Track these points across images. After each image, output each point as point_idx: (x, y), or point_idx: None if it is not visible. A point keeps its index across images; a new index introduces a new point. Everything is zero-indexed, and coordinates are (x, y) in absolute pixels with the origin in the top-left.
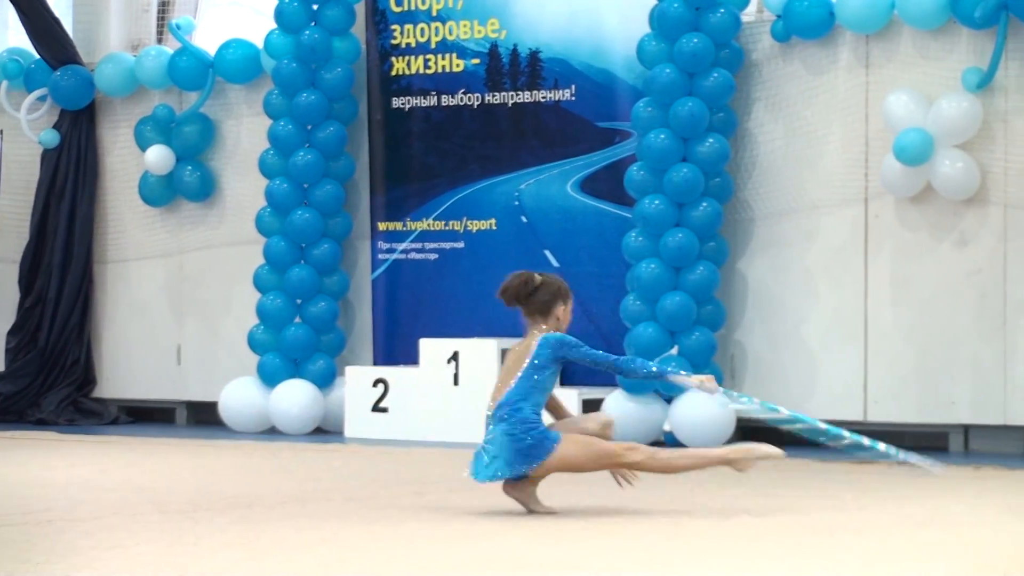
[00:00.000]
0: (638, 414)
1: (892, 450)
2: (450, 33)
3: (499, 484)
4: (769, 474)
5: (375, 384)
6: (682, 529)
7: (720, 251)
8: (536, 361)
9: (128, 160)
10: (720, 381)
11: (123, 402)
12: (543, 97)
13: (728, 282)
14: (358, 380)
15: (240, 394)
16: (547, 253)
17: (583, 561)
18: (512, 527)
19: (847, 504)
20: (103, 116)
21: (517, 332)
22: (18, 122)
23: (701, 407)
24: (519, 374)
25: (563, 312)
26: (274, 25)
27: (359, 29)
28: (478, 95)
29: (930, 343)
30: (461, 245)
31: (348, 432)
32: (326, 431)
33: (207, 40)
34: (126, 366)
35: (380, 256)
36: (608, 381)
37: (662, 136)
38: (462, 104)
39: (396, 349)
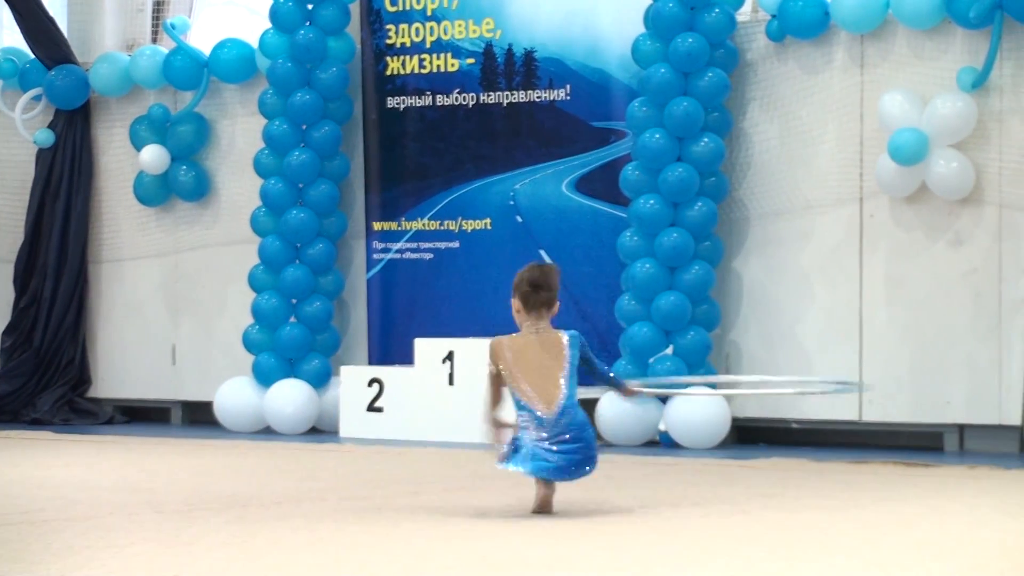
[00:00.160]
0: (633, 414)
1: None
2: (445, 33)
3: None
4: (764, 474)
5: (370, 384)
6: (678, 528)
7: (715, 251)
8: (574, 363)
9: (123, 160)
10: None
11: (118, 402)
12: (538, 97)
13: (723, 282)
14: (353, 380)
15: (235, 394)
16: (542, 252)
17: (580, 561)
18: (509, 527)
19: (842, 504)
20: (98, 116)
21: (512, 331)
22: (13, 122)
23: (695, 407)
24: (566, 375)
25: (556, 307)
26: (269, 25)
27: (354, 29)
28: (473, 95)
29: (925, 343)
30: (456, 245)
31: (343, 432)
32: (321, 431)
33: (202, 40)
34: (121, 366)
35: (375, 256)
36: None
37: (657, 136)
38: (457, 104)
39: (391, 349)
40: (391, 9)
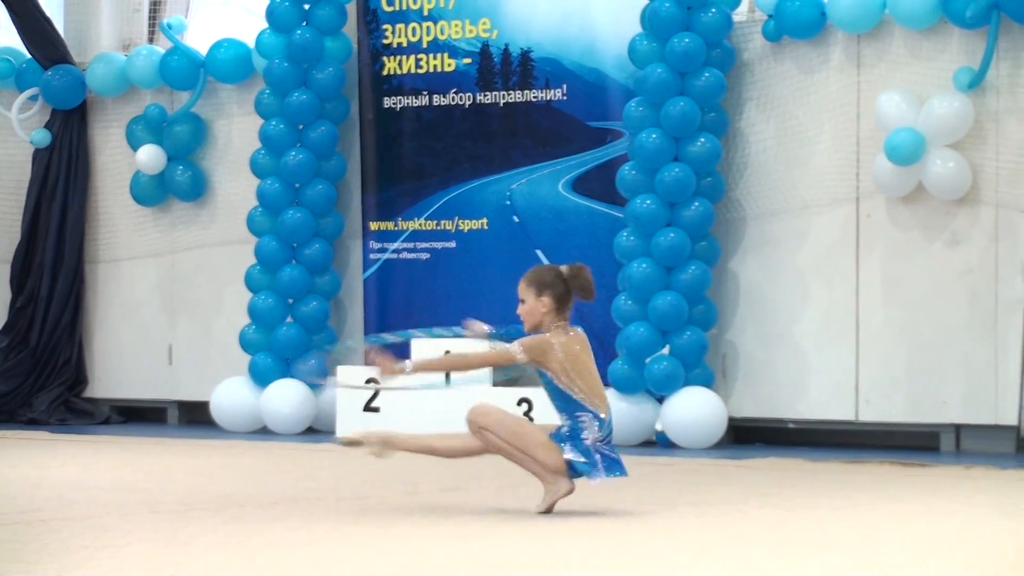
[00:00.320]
0: (630, 414)
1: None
2: (441, 33)
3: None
4: (761, 473)
5: (367, 383)
6: (675, 528)
7: (712, 251)
8: None
9: (119, 160)
10: (711, 382)
11: (115, 402)
12: (534, 97)
13: (720, 282)
14: (350, 380)
15: (232, 394)
16: (539, 253)
17: (577, 560)
18: (504, 527)
19: (839, 503)
20: (94, 116)
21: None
22: (9, 121)
23: (692, 407)
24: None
25: None
26: (265, 25)
27: (351, 29)
28: (470, 95)
29: (921, 343)
30: (453, 245)
31: (340, 432)
32: (318, 431)
33: (198, 40)
34: (118, 366)
35: (372, 256)
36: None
37: (654, 136)
38: (454, 104)
39: (387, 348)
40: (388, 9)
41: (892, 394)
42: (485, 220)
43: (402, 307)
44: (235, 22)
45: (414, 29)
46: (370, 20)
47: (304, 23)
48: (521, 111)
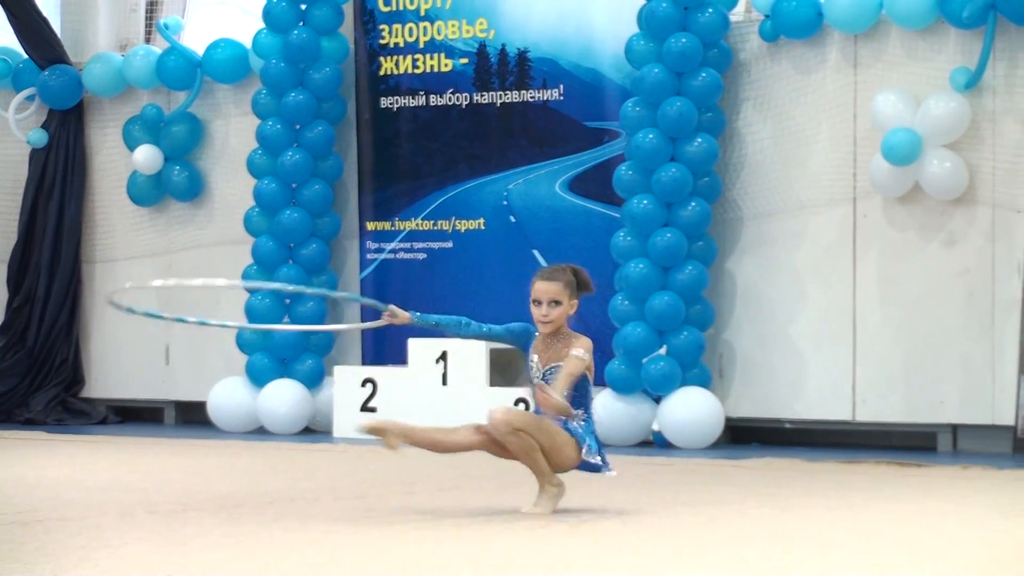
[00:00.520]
0: (627, 414)
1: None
2: (438, 33)
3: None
4: (758, 474)
5: (363, 384)
6: (671, 528)
7: (708, 251)
8: None
9: (116, 160)
10: (708, 382)
11: (111, 402)
12: (531, 97)
13: (717, 282)
14: (346, 380)
15: (228, 394)
16: (535, 253)
17: (574, 561)
18: (501, 527)
19: (836, 504)
20: (91, 116)
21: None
22: (6, 122)
23: (689, 407)
24: None
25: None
26: (262, 25)
27: (347, 29)
28: (466, 95)
29: (918, 343)
30: (449, 245)
31: (336, 432)
32: (314, 431)
33: (195, 40)
34: (114, 366)
35: (368, 256)
36: (596, 380)
37: (650, 136)
38: (450, 104)
39: (384, 349)
40: (384, 9)
41: (889, 394)
42: (482, 220)
43: (399, 307)
44: (232, 22)
45: (411, 29)
46: (367, 20)
47: (301, 23)
48: (518, 111)
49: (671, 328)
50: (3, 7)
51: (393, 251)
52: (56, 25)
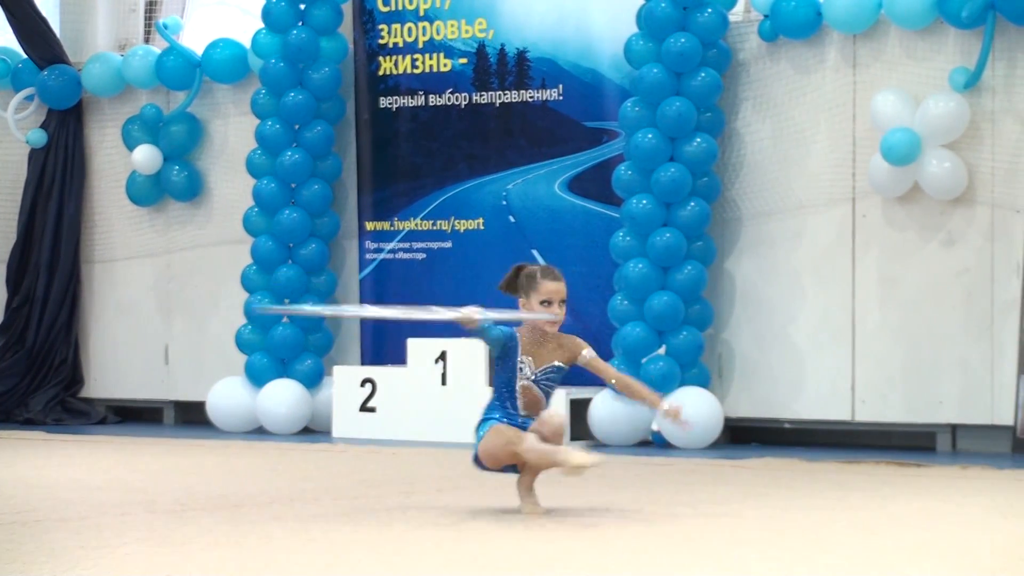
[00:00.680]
0: (626, 414)
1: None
2: (437, 33)
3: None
4: (757, 474)
5: (363, 384)
6: (669, 529)
7: (708, 251)
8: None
9: (116, 160)
10: (707, 382)
11: (111, 402)
12: (530, 97)
13: (716, 282)
14: (346, 380)
15: (228, 394)
16: (535, 253)
17: (572, 561)
18: (500, 527)
19: (835, 504)
20: (91, 116)
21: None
22: (5, 122)
23: (689, 407)
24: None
25: (523, 304)
26: (261, 25)
27: (346, 29)
28: (466, 95)
29: (918, 343)
30: (449, 245)
31: (336, 432)
32: (314, 431)
33: (194, 40)
34: (114, 366)
35: (368, 256)
36: (595, 381)
37: (650, 136)
38: (450, 104)
39: (384, 349)
40: (383, 9)
41: (888, 394)
42: (481, 220)
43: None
44: (231, 22)
45: (410, 29)
46: (366, 20)
47: (300, 23)
48: (517, 111)
49: (670, 328)
50: (2, 7)
51: (392, 251)
52: (55, 25)
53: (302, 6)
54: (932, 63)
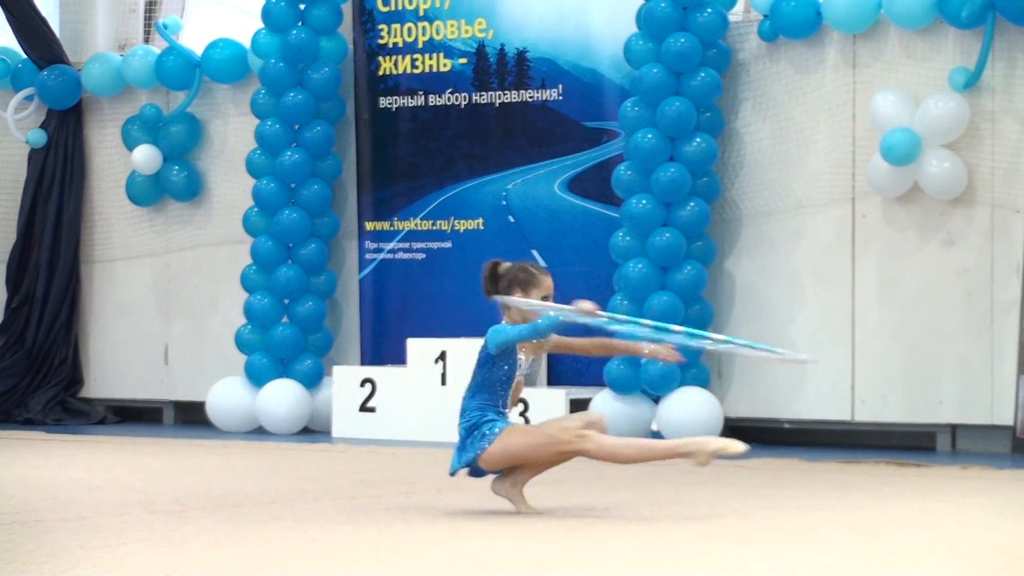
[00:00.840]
0: (625, 414)
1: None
2: (437, 33)
3: (485, 483)
4: (756, 474)
5: (363, 384)
6: (669, 529)
7: (707, 251)
8: (478, 360)
9: (115, 160)
10: (707, 382)
11: (110, 402)
12: (530, 97)
13: (715, 282)
14: (346, 380)
15: (227, 394)
16: (534, 253)
17: (571, 561)
18: (499, 527)
19: (834, 504)
20: (90, 116)
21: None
22: (5, 122)
23: (688, 407)
24: (474, 372)
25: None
26: (261, 25)
27: (346, 29)
28: (465, 95)
29: (917, 343)
30: (448, 245)
31: (336, 432)
32: (313, 431)
33: (194, 40)
34: (113, 366)
35: (367, 256)
36: (595, 381)
37: (649, 136)
38: (449, 104)
39: (384, 349)
40: (383, 9)
41: (888, 394)
42: (481, 220)
43: (398, 307)
44: (231, 22)
45: (410, 29)
46: (366, 20)
47: (300, 23)
48: (517, 111)
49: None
50: (2, 7)
51: (392, 251)
52: (55, 25)
53: (302, 6)
54: (932, 63)
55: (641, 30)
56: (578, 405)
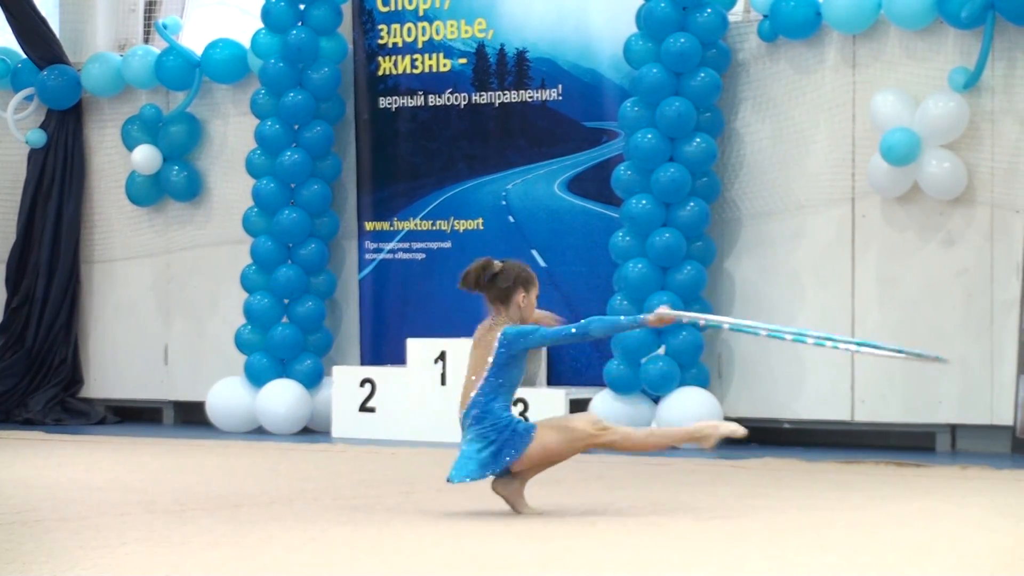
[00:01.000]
0: (625, 414)
1: (890, 347)
2: (437, 33)
3: (485, 483)
4: (756, 474)
5: (362, 384)
6: (669, 529)
7: (707, 251)
8: (498, 361)
9: (115, 160)
10: (707, 382)
11: (110, 402)
12: (530, 97)
13: (715, 282)
14: (345, 380)
15: (227, 394)
16: (534, 253)
17: (571, 561)
18: (499, 527)
19: (834, 504)
20: (90, 116)
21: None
22: (5, 122)
23: (688, 407)
24: (485, 374)
25: (523, 300)
26: (261, 25)
27: (346, 29)
28: (465, 95)
29: (917, 343)
30: (448, 245)
31: (335, 432)
32: (313, 431)
33: (194, 40)
34: (113, 366)
35: (367, 256)
36: (595, 381)
37: (649, 136)
38: (449, 104)
39: (383, 349)
40: (383, 9)
41: (888, 394)
42: (481, 220)
43: (398, 307)
44: (230, 22)
45: (409, 29)
46: (366, 20)
47: (300, 23)
48: (517, 111)
49: (670, 328)
50: (2, 7)
51: (392, 251)
52: (55, 25)
53: (302, 6)
54: (932, 63)
55: (641, 30)
56: (578, 405)
